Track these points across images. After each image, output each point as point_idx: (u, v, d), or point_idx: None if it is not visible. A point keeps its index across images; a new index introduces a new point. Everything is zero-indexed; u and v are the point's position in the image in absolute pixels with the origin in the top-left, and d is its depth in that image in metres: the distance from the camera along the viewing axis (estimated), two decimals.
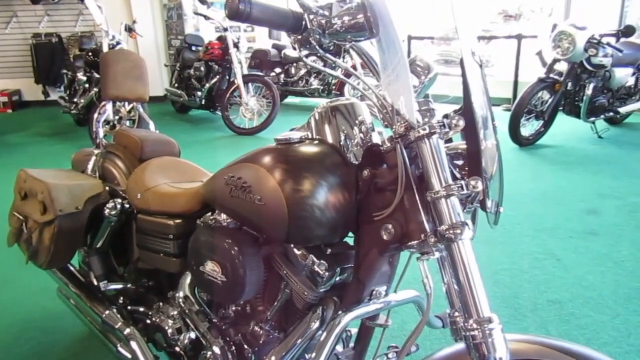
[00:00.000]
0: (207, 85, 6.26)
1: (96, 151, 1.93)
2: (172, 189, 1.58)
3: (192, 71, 6.45)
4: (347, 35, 0.90)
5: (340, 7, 0.91)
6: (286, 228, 1.06)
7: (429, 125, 0.93)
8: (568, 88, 4.82)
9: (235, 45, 5.92)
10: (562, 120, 5.16)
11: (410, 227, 1.03)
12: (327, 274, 1.14)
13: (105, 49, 5.19)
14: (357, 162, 1.13)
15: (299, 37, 0.94)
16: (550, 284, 2.46)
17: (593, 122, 5.09)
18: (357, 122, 1.18)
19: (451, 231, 0.91)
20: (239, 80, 5.71)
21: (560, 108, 4.91)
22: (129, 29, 5.71)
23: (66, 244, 1.65)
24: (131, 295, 1.72)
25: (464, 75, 0.92)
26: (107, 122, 5.06)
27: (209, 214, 1.43)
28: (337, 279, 1.19)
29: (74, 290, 1.80)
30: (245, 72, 5.94)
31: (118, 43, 5.30)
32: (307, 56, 1.00)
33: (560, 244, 2.91)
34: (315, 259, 1.16)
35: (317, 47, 0.94)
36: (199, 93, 6.30)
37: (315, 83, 7.01)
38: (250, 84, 5.84)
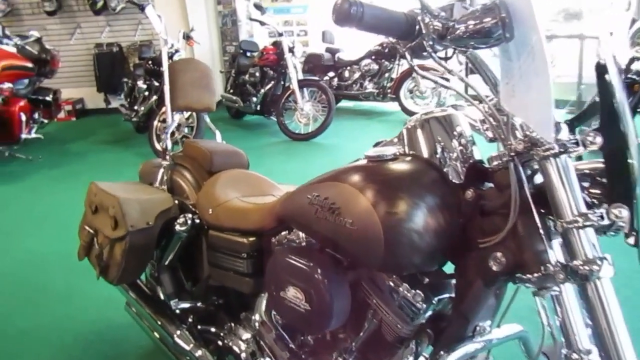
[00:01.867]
0: (262, 90, 6.24)
1: (164, 163, 1.89)
2: (245, 204, 1.51)
3: (247, 77, 6.46)
4: (470, 41, 0.78)
5: (464, 8, 0.80)
6: (382, 255, 0.95)
7: (559, 142, 0.80)
8: None
9: (291, 50, 5.87)
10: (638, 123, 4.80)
11: (525, 257, 0.90)
12: (424, 306, 1.03)
13: (164, 57, 5.25)
14: (459, 181, 1.01)
15: (412, 44, 0.83)
16: None
17: None
18: (455, 134, 1.05)
19: (587, 267, 0.78)
20: (295, 85, 5.67)
21: (639, 110, 4.56)
22: (187, 37, 5.77)
23: (137, 259, 1.61)
24: (201, 314, 1.66)
25: (604, 83, 0.79)
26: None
27: (285, 232, 1.35)
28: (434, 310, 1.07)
29: (143, 307, 1.76)
30: (301, 76, 5.88)
31: (177, 51, 5.36)
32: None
33: None
34: (409, 289, 1.05)
35: (432, 54, 0.83)
36: (254, 99, 6.30)
37: (370, 87, 6.87)
38: (305, 89, 5.78)
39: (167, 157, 1.90)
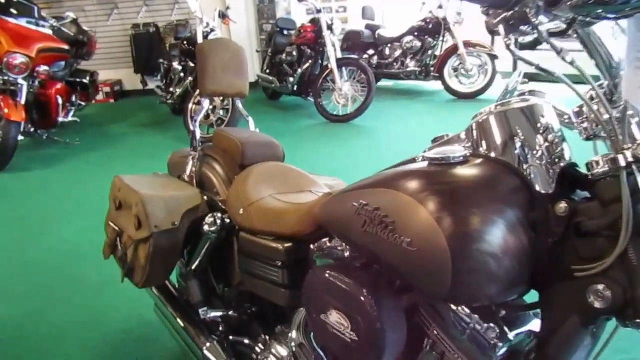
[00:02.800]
0: (300, 70, 6.04)
1: (193, 154, 1.73)
2: (280, 204, 1.33)
3: (284, 56, 6.25)
4: (597, 8, 0.56)
5: None
6: (448, 284, 0.75)
7: None
8: None
9: (329, 28, 5.62)
10: None
11: (638, 292, 0.69)
12: (499, 344, 0.83)
13: (199, 36, 5.11)
14: (548, 191, 0.79)
15: (507, 14, 0.61)
16: None
17: None
18: (540, 129, 0.83)
19: None
20: (333, 64, 5.43)
21: None
22: (223, 16, 5.60)
23: (163, 262, 1.46)
24: (233, 324, 1.50)
25: None
26: None
27: (326, 239, 1.17)
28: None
29: (171, 312, 1.62)
30: (339, 55, 5.63)
31: (212, 30, 5.21)
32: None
33: None
34: (481, 321, 0.85)
35: (537, 28, 0.61)
36: (291, 79, 6.10)
37: (412, 65, 6.56)
38: (344, 68, 5.54)
39: (197, 148, 1.74)
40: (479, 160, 0.82)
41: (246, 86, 1.84)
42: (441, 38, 6.36)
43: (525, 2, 0.61)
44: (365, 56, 6.86)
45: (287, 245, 1.24)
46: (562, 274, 0.77)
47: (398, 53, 6.73)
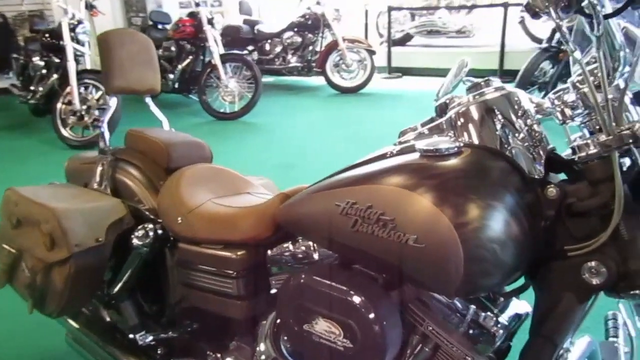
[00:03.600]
0: (180, 66, 5.73)
1: (101, 158, 1.52)
2: (225, 209, 1.22)
3: (161, 52, 5.87)
4: None
5: None
6: (460, 277, 0.73)
7: None
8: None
9: (210, 22, 5.41)
10: None
11: (632, 266, 0.74)
12: (500, 331, 0.83)
13: (65, 29, 4.61)
14: (539, 175, 0.81)
15: None
16: None
17: None
18: (521, 116, 0.85)
19: None
20: (217, 60, 5.23)
21: (564, 79, 4.71)
22: (91, 7, 5.09)
23: (84, 285, 1.28)
24: (173, 345, 1.35)
25: None
26: (73, 112, 4.54)
27: (287, 243, 1.10)
28: None
29: (94, 341, 1.41)
30: (222, 50, 5.45)
31: (80, 22, 4.73)
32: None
33: None
34: (479, 311, 0.85)
35: (594, 8, 0.60)
36: (171, 75, 5.77)
37: (293, 61, 6.58)
38: (228, 64, 5.37)
39: (107, 151, 1.53)
40: (471, 150, 0.81)
41: (158, 81, 1.67)
42: (321, 34, 6.46)
43: None
44: (245, 52, 6.73)
45: (240, 252, 1.14)
46: (555, 255, 0.80)
47: (279, 49, 6.70)
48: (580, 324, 0.85)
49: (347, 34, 6.23)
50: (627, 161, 0.79)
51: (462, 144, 0.82)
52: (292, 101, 6.16)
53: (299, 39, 6.57)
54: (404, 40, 7.91)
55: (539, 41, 6.43)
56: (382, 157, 0.90)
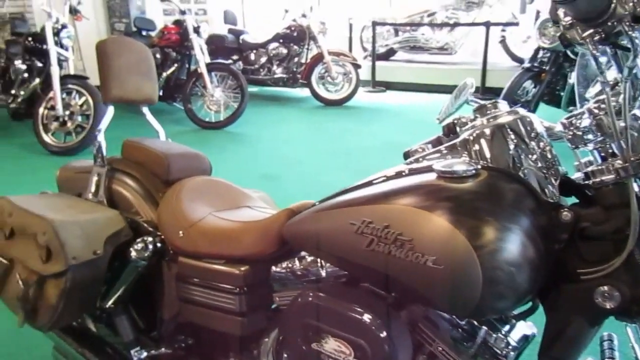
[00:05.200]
0: (164, 74, 5.68)
1: (98, 168, 1.49)
2: (227, 223, 1.21)
3: None
4: None
5: None
6: (477, 300, 0.74)
7: None
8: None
9: (196, 31, 5.39)
10: (543, 110, 5.08)
11: None
12: (511, 353, 0.84)
13: (49, 33, 4.54)
14: (553, 199, 0.83)
15: (600, 29, 0.61)
16: None
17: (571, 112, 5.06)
18: (535, 138, 0.87)
19: None
20: (203, 69, 5.20)
21: (545, 99, 4.83)
22: (75, 11, 5.03)
23: (79, 299, 1.24)
24: None
25: None
26: (56, 117, 4.46)
27: (293, 259, 1.09)
28: None
29: (82, 354, 1.38)
30: (208, 59, 5.43)
31: (64, 27, 4.66)
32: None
33: None
34: (490, 333, 0.85)
35: (634, 38, 0.62)
36: None
37: (279, 72, 6.58)
38: (213, 73, 5.34)
39: (103, 161, 1.50)
40: (488, 173, 0.83)
41: (155, 91, 1.65)
42: (306, 46, 6.49)
43: (617, 15, 0.61)
44: (229, 61, 6.71)
45: (243, 268, 1.13)
46: (568, 278, 0.81)
47: (264, 59, 6.70)
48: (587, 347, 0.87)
49: (332, 47, 6.28)
50: (635, 186, 0.81)
51: (479, 166, 0.83)
52: (276, 112, 6.16)
53: (285, 50, 6.59)
54: (388, 55, 8.00)
55: (520, 60, 6.61)
56: (396, 176, 0.91)
